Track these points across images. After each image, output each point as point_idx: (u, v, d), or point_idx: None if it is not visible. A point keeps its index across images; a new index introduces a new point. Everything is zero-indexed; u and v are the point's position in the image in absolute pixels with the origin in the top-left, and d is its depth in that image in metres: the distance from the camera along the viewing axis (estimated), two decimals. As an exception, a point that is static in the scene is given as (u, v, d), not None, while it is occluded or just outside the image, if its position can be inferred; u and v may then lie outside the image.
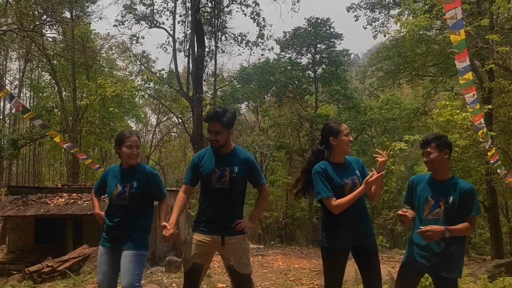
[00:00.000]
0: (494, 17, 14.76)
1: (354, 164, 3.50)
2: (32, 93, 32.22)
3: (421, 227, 3.16)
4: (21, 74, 29.99)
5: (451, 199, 3.24)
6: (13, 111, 26.65)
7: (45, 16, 21.19)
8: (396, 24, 16.50)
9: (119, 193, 3.61)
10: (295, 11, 35.38)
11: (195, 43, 22.82)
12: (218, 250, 3.42)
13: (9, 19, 20.30)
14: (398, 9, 20.20)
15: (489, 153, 6.48)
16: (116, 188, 3.62)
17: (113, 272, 3.59)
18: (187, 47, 23.77)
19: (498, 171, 7.46)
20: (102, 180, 3.82)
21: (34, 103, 30.53)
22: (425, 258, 3.31)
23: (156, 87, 26.93)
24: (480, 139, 6.39)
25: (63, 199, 14.07)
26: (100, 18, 41.23)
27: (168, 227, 3.40)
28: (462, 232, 3.21)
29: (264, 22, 24.09)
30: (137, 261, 3.51)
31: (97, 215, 3.81)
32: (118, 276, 3.62)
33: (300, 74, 27.92)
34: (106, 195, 3.79)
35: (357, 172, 3.45)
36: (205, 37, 23.98)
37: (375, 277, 3.41)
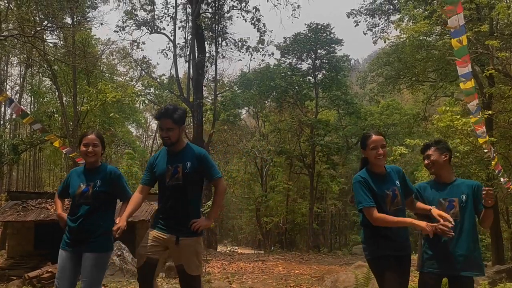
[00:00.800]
0: (494, 23, 14.77)
1: (393, 174, 3.42)
2: (32, 99, 32.26)
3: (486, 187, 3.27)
4: (21, 79, 30.04)
5: (463, 197, 3.32)
6: (13, 116, 26.70)
7: (46, 22, 21.25)
8: (396, 29, 16.53)
9: (83, 191, 3.61)
10: (295, 17, 35.63)
11: (196, 48, 22.90)
12: (171, 248, 3.42)
13: (10, 25, 20.37)
14: (398, 15, 20.24)
15: (493, 162, 6.47)
16: (79, 187, 3.63)
17: (74, 276, 3.56)
18: (188, 52, 23.87)
19: (502, 179, 7.45)
20: (65, 182, 3.81)
21: (35, 109, 30.55)
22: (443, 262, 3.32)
23: (157, 92, 26.97)
24: (484, 150, 6.37)
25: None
26: (101, 24, 41.35)
27: (118, 221, 3.42)
28: (492, 218, 3.35)
29: (264, 28, 24.24)
30: (98, 264, 3.51)
31: (59, 215, 3.74)
32: (77, 279, 3.61)
33: (301, 79, 27.97)
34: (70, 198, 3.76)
35: (397, 182, 3.37)
36: (206, 42, 24.08)
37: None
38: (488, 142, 6.01)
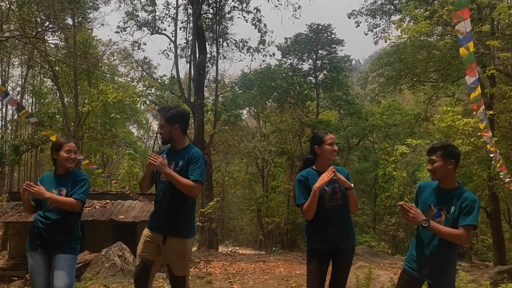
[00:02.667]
0: (495, 23, 14.78)
1: (340, 173, 3.58)
2: (34, 99, 32.31)
3: (400, 203, 3.19)
4: (23, 80, 30.08)
5: (452, 208, 3.16)
6: (15, 116, 26.74)
7: (47, 23, 21.26)
8: (397, 30, 16.54)
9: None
10: (296, 18, 35.61)
11: (197, 49, 22.91)
12: (160, 247, 3.42)
13: (12, 26, 20.38)
14: (399, 15, 20.24)
15: (497, 165, 6.49)
16: (52, 192, 3.67)
17: (48, 276, 3.63)
18: (189, 53, 23.88)
19: (504, 177, 7.44)
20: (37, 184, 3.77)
21: (36, 109, 30.59)
22: (417, 263, 3.28)
23: (158, 93, 26.96)
24: (491, 154, 6.43)
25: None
26: (102, 25, 41.55)
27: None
28: (448, 235, 3.05)
29: (265, 28, 24.25)
30: (72, 264, 3.66)
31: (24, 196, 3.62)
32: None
33: (302, 80, 27.98)
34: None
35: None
36: (207, 43, 24.08)
37: (337, 277, 3.54)
38: (495, 145, 6.03)
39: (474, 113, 5.00)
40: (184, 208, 3.42)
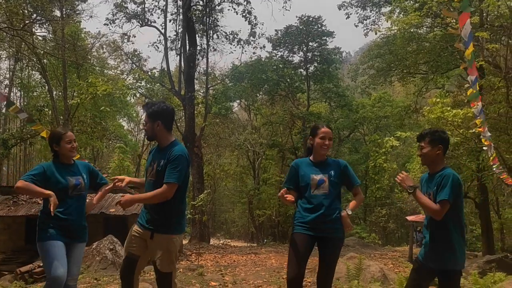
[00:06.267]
0: (484, 14, 14.83)
1: (332, 165, 3.71)
2: (22, 93, 31.99)
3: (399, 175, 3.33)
4: (11, 73, 29.74)
5: (435, 189, 3.24)
6: (3, 110, 26.47)
7: (35, 15, 21.02)
8: (387, 22, 16.58)
9: (75, 184, 3.73)
10: (286, 9, 35.55)
11: (187, 41, 22.77)
12: (148, 243, 3.41)
13: (-1, 18, 20.12)
14: (389, 7, 20.29)
15: (490, 157, 6.59)
16: (69, 180, 3.70)
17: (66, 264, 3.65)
18: (179, 45, 23.75)
19: (495, 170, 7.56)
20: (42, 174, 3.65)
21: (25, 103, 30.31)
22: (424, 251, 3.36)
23: (148, 85, 26.83)
24: (484, 147, 6.56)
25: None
26: (91, 17, 40.82)
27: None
28: (425, 206, 3.20)
29: (255, 21, 24.12)
30: (83, 252, 3.89)
31: (49, 195, 3.53)
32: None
33: (292, 72, 27.97)
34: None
35: (332, 172, 3.66)
36: (197, 35, 23.95)
37: (325, 267, 3.64)
38: (489, 139, 6.12)
39: (472, 110, 5.07)
40: (172, 205, 3.36)
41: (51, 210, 3.46)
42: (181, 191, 3.41)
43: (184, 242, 19.98)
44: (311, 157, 3.77)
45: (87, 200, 3.97)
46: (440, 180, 3.19)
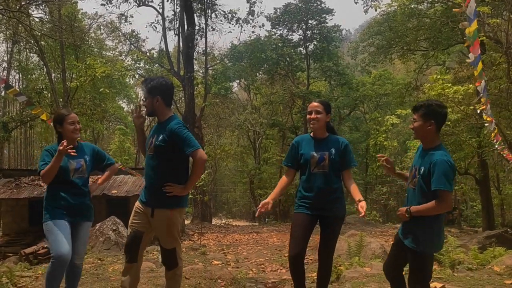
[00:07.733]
0: (485, -11, 14.64)
1: (333, 142, 3.71)
2: (21, 75, 31.82)
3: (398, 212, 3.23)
4: (9, 56, 29.53)
5: (422, 169, 3.04)
6: (2, 93, 26.36)
7: (31, -4, 20.76)
8: (387, -2, 16.35)
9: (76, 168, 3.76)
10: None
11: (185, 21, 22.54)
12: (150, 220, 3.42)
13: (-6, 0, 19.87)
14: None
15: (492, 134, 6.58)
16: (70, 163, 3.71)
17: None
18: (177, 25, 23.51)
19: (497, 147, 7.55)
20: (50, 155, 3.69)
21: (24, 85, 30.17)
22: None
23: (147, 66, 26.65)
24: (485, 124, 6.55)
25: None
26: (87, -3, 40.39)
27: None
28: (427, 212, 2.97)
29: (254, -1, 23.81)
30: (89, 232, 3.96)
31: (60, 150, 3.48)
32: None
33: (292, 51, 27.73)
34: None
35: (332, 150, 3.65)
36: (195, 14, 23.69)
37: (326, 245, 3.68)
38: (491, 115, 6.10)
39: (477, 87, 5.05)
40: (170, 180, 3.33)
41: (65, 145, 3.43)
42: (182, 164, 3.41)
43: (186, 222, 20.12)
44: (312, 133, 3.79)
45: (91, 182, 4.01)
46: (432, 168, 2.96)
